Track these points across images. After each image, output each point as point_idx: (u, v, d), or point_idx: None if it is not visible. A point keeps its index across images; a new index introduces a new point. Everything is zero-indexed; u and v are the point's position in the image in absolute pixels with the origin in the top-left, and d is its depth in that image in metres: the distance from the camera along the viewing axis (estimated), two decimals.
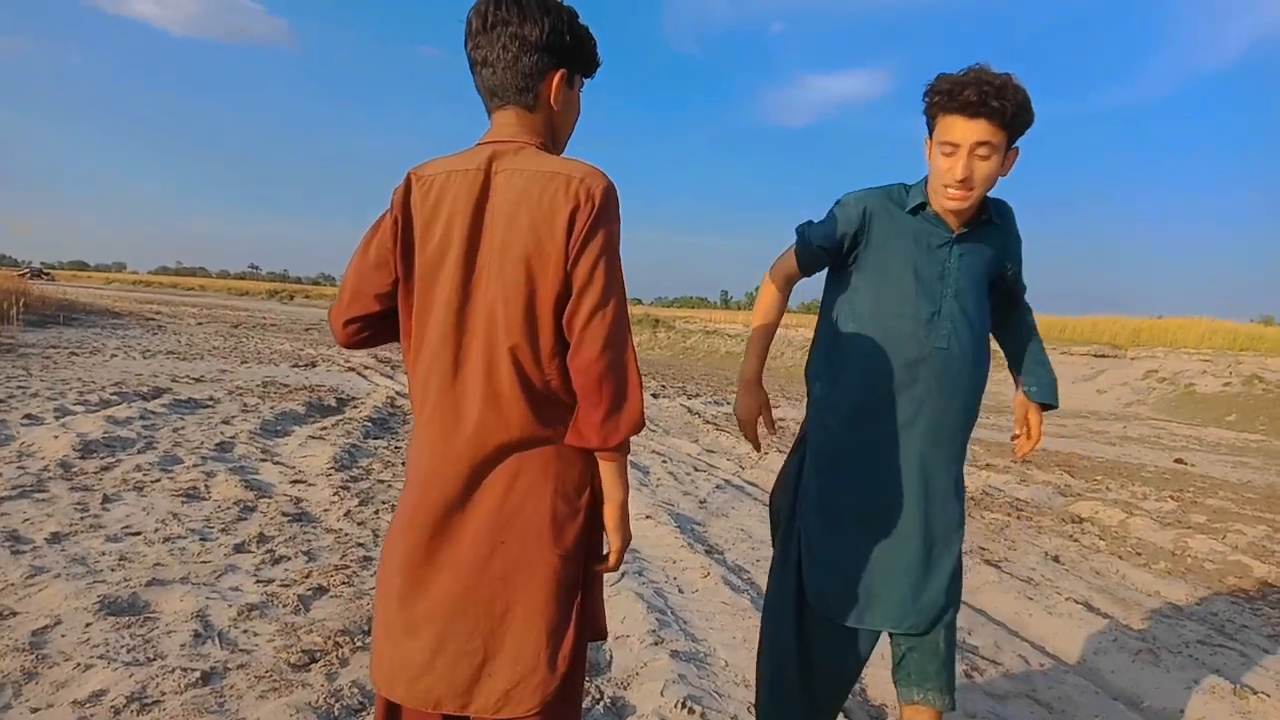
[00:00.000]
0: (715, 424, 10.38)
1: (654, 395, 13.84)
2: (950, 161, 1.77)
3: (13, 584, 3.08)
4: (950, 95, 1.74)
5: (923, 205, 1.87)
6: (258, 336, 19.36)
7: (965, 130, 1.74)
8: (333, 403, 8.69)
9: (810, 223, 2.00)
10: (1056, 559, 4.97)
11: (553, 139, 1.48)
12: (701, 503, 5.81)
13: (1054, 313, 32.15)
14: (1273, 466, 11.34)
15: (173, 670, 2.50)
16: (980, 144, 1.74)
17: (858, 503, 1.89)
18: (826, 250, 1.96)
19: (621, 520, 1.41)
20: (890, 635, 1.96)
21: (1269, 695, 2.94)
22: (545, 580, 1.37)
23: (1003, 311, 2.08)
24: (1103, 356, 26.49)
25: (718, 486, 6.36)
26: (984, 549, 5.05)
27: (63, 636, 2.70)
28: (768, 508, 2.15)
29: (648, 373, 20.29)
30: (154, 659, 2.60)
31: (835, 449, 1.93)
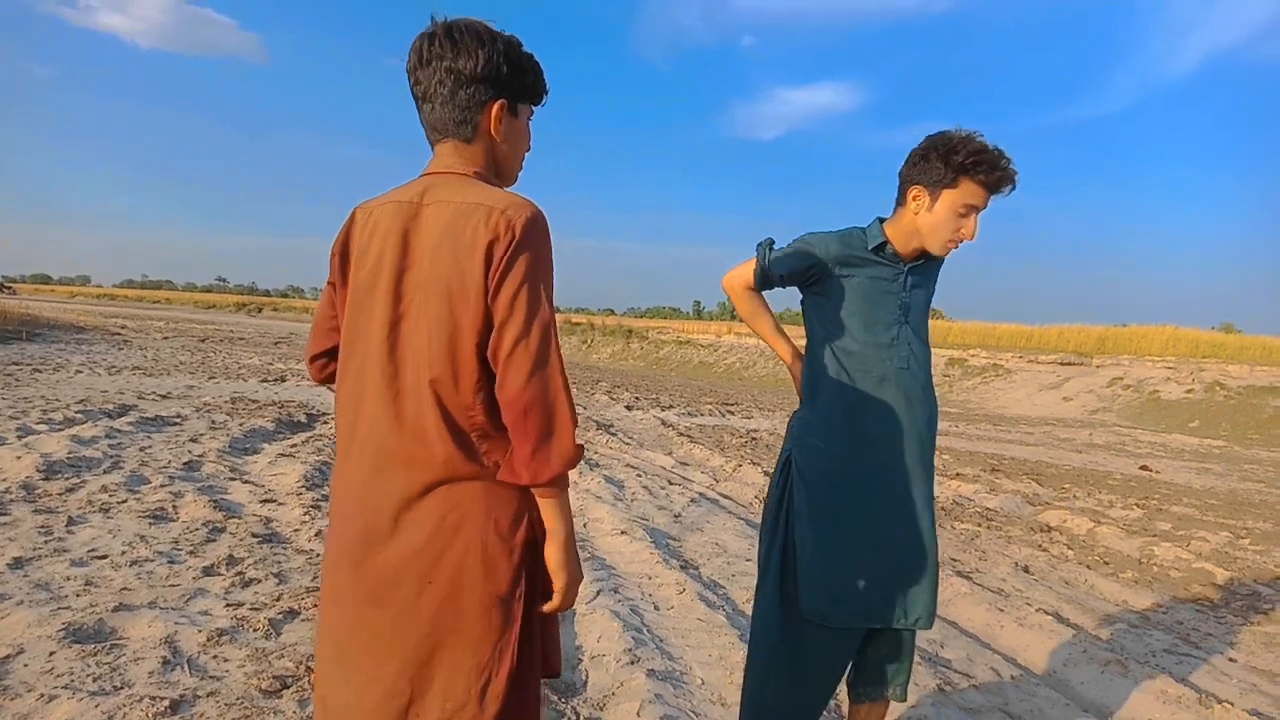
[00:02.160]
0: (689, 436, 10.39)
1: (628, 407, 13.84)
2: (964, 222, 1.99)
3: None
4: (989, 167, 1.92)
5: (883, 245, 2.06)
6: (225, 351, 19.11)
7: (985, 199, 1.97)
8: (303, 419, 8.59)
9: (771, 245, 2.17)
10: (1026, 569, 5.03)
11: (497, 169, 1.48)
12: (676, 517, 5.82)
13: (1020, 321, 32.61)
14: (1235, 472, 11.58)
15: (140, 699, 2.46)
16: (978, 210, 2.00)
17: (845, 513, 2.03)
18: (784, 279, 2.17)
19: (565, 559, 1.36)
20: (869, 641, 2.11)
21: (1233, 704, 3.00)
22: (476, 619, 1.34)
23: None
24: (1069, 365, 26.93)
25: (692, 500, 6.37)
26: (955, 560, 5.11)
27: (25, 666, 2.63)
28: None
29: (621, 384, 20.28)
30: (121, 688, 2.55)
31: (819, 464, 2.07)
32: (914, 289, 2.08)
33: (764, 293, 2.26)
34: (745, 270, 2.22)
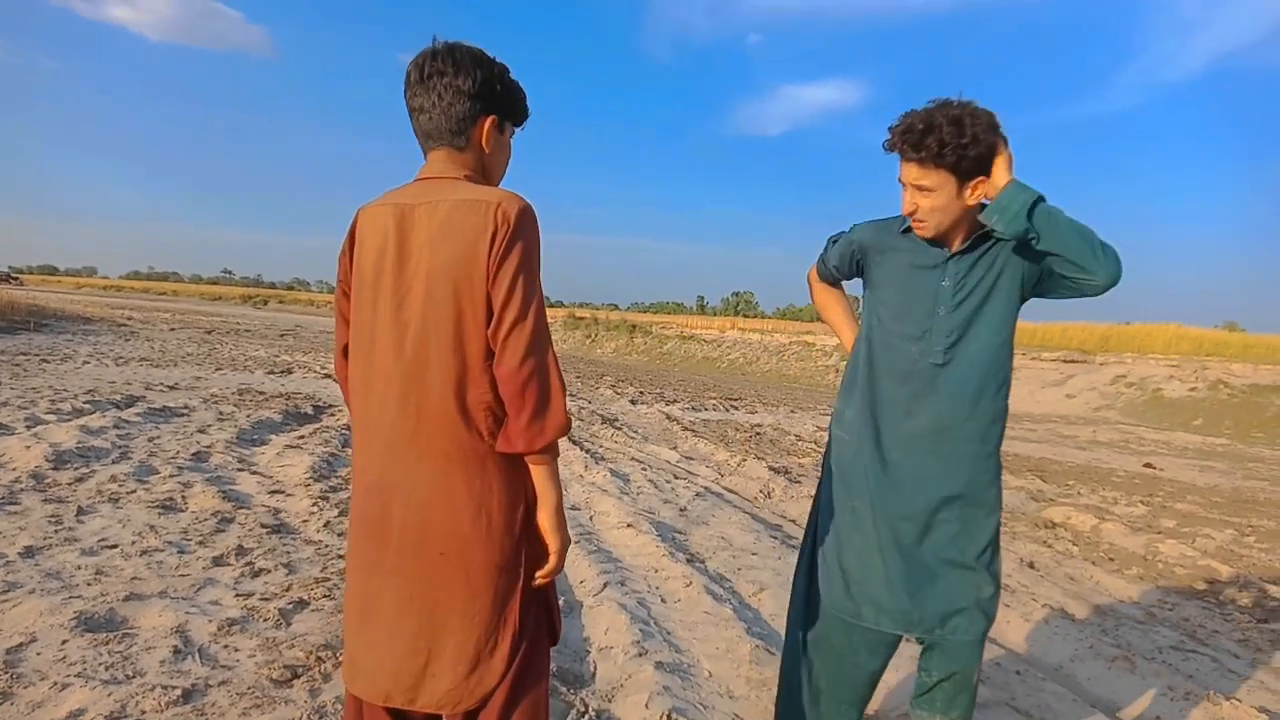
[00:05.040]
0: (694, 430, 10.40)
1: (632, 402, 13.85)
2: (904, 195, 1.89)
3: None
4: (889, 138, 1.86)
5: (911, 228, 1.95)
6: (232, 342, 19.14)
7: (906, 171, 1.86)
8: (309, 410, 8.62)
9: (836, 238, 2.19)
10: (1032, 565, 5.04)
11: (485, 175, 1.61)
12: (682, 510, 5.83)
13: (1024, 319, 32.54)
14: (1238, 470, 11.57)
15: (152, 688, 2.47)
16: (917, 185, 1.84)
17: (861, 509, 1.97)
18: (838, 268, 2.18)
19: (557, 523, 1.51)
20: (923, 656, 2.02)
21: (1240, 700, 3.01)
22: (484, 589, 1.48)
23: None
24: (1072, 362, 26.89)
25: (697, 494, 6.38)
26: None
27: (38, 655, 2.65)
28: None
29: (625, 379, 20.30)
30: (133, 677, 2.57)
31: (842, 458, 2.04)
32: (958, 274, 1.90)
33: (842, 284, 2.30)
34: (815, 264, 2.30)
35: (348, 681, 1.56)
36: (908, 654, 2.90)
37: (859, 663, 2.02)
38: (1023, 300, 1.94)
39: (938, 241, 1.92)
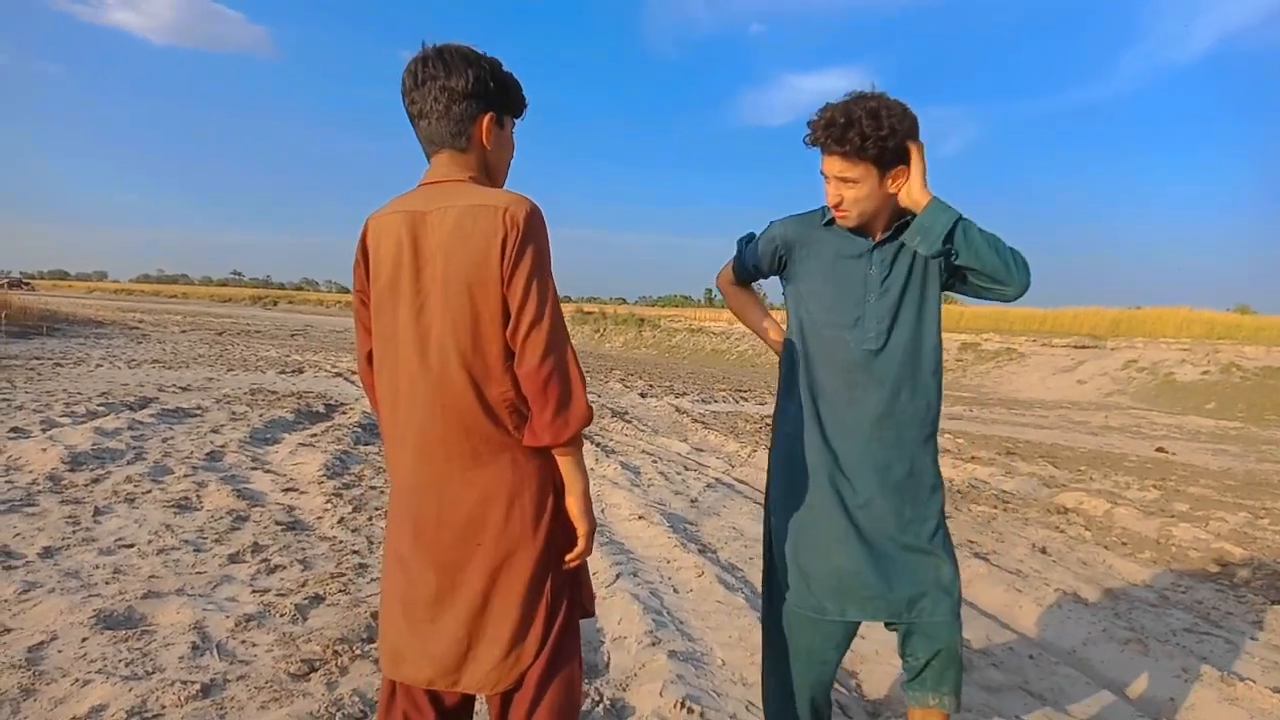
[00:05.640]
0: (704, 422, 10.42)
1: (642, 395, 13.87)
2: (828, 188, 1.93)
3: (6, 600, 3.06)
4: (810, 133, 1.88)
5: (834, 219, 1.99)
6: (243, 343, 19.25)
7: (829, 165, 1.89)
8: (321, 409, 8.67)
9: (750, 238, 2.19)
10: (1044, 550, 5.03)
11: (489, 173, 1.64)
12: (693, 502, 5.85)
13: (1034, 305, 32.39)
14: (1252, 453, 11.51)
15: (172, 683, 2.51)
16: (841, 177, 1.87)
17: (812, 502, 1.97)
18: (758, 267, 2.16)
19: (585, 509, 1.58)
20: (904, 644, 2.01)
21: (1255, 681, 3.00)
22: (519, 576, 1.54)
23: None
24: (1083, 348, 26.77)
25: (708, 485, 6.40)
26: (973, 541, 5.11)
27: (59, 652, 2.69)
28: None
29: (635, 372, 20.31)
30: (153, 672, 2.60)
31: (788, 452, 2.04)
32: (884, 261, 1.95)
33: (753, 285, 2.29)
34: (729, 266, 2.28)
35: (389, 670, 1.62)
36: None
37: (826, 659, 2.01)
38: (944, 288, 2.01)
39: (860, 231, 1.97)
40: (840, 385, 1.97)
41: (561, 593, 1.61)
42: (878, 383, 1.94)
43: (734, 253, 2.25)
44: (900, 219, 1.95)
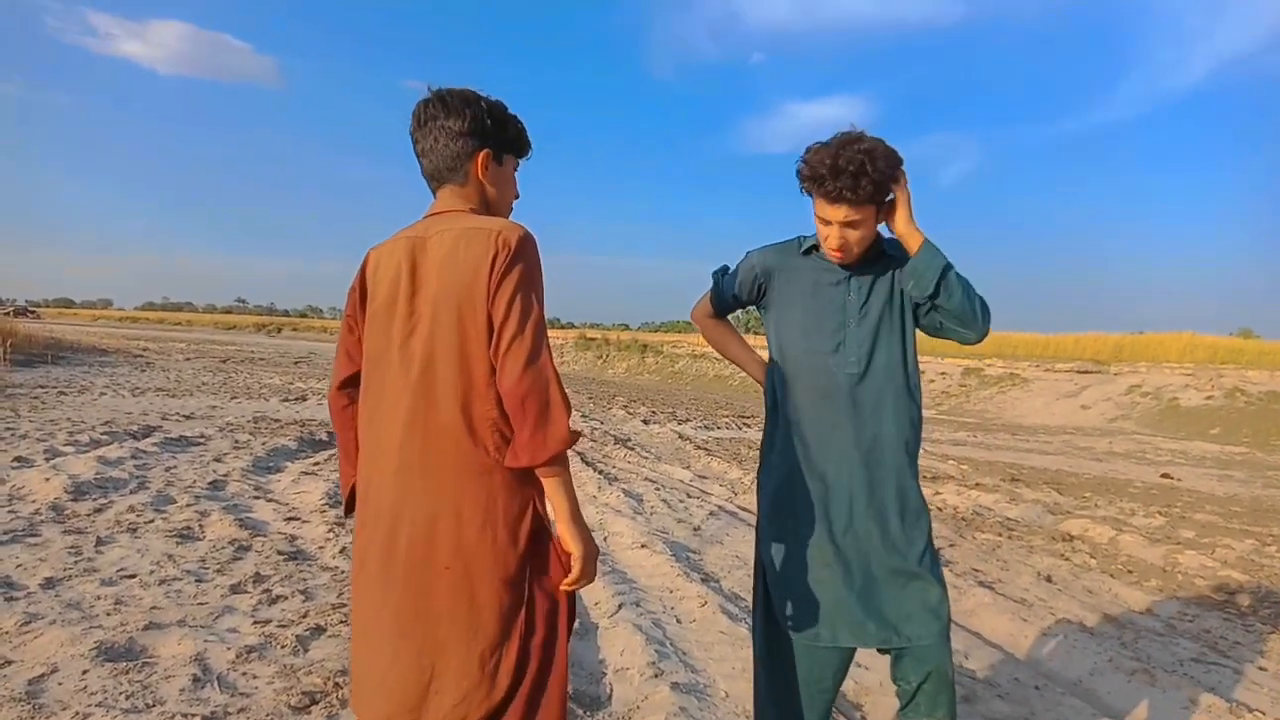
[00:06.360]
0: (706, 449, 10.39)
1: (644, 422, 13.85)
2: (826, 231, 1.94)
3: (7, 632, 3.05)
4: (816, 183, 1.89)
5: (816, 247, 2.03)
6: (247, 371, 19.29)
7: (834, 212, 1.90)
8: (324, 437, 8.67)
9: (725, 270, 2.21)
10: (1049, 579, 5.00)
11: (489, 208, 1.68)
12: (695, 530, 5.82)
13: (1037, 330, 32.39)
14: (1258, 479, 11.45)
15: (173, 716, 2.49)
16: (846, 222, 1.90)
17: (801, 530, 1.99)
18: (736, 297, 2.19)
19: (576, 533, 1.52)
20: (896, 668, 2.02)
21: (1264, 713, 2.98)
22: (487, 602, 1.50)
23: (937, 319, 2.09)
24: (1086, 373, 26.74)
25: (711, 513, 6.37)
26: (977, 570, 5.08)
27: (60, 685, 2.68)
28: None
29: (637, 398, 20.29)
30: (153, 705, 2.59)
31: (775, 480, 2.06)
32: (861, 289, 1.99)
33: (729, 316, 2.31)
34: (705, 300, 2.29)
35: (354, 707, 1.58)
36: None
37: (825, 686, 2.01)
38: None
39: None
40: (824, 411, 1.99)
41: (538, 623, 1.54)
42: (860, 407, 1.97)
43: (710, 286, 2.27)
44: (876, 247, 2.00)
